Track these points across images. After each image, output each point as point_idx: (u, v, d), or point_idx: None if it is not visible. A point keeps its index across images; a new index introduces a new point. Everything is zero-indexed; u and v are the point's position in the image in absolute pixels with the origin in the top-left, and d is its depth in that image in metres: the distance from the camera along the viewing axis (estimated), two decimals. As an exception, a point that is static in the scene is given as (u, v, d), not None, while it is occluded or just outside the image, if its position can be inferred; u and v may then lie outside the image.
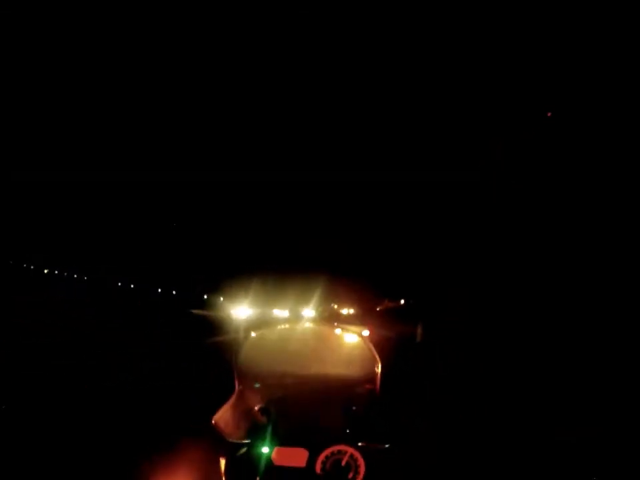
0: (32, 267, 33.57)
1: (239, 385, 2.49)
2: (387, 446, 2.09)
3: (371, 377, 2.54)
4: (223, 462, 2.05)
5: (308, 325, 3.06)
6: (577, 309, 8.59)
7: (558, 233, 9.83)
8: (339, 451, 2.00)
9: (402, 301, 15.17)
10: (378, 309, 12.41)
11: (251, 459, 2.01)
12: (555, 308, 8.94)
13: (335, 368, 2.56)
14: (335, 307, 32.94)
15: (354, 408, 2.40)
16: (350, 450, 1.99)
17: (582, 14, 9.79)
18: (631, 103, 8.95)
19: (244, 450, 2.02)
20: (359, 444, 2.03)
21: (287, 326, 3.36)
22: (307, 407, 2.35)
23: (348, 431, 2.17)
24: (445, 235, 13.92)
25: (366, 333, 3.42)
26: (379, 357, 2.60)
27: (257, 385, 2.46)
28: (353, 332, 2.82)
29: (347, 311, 22.36)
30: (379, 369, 2.55)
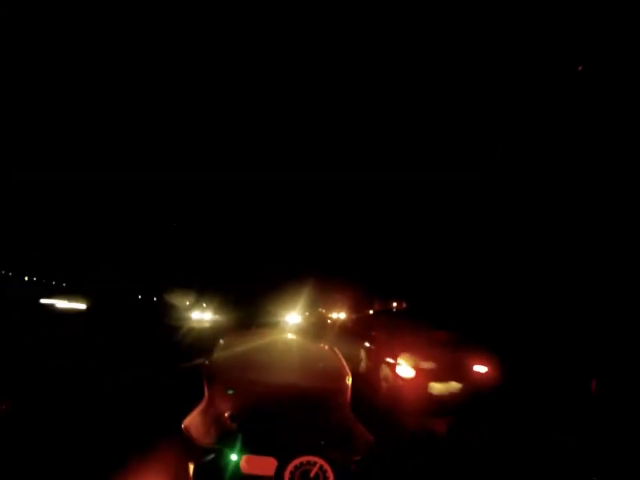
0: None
1: (209, 390, 2.42)
2: (358, 458, 2.05)
3: (341, 389, 2.51)
4: (191, 467, 1.99)
5: (284, 335, 3.10)
6: (577, 306, 8.51)
7: (557, 232, 9.72)
8: (308, 462, 1.95)
9: (394, 304, 14.74)
10: (371, 312, 11.94)
11: (219, 465, 1.95)
12: (555, 306, 8.86)
13: (307, 378, 2.53)
14: (323, 311, 32.02)
15: (324, 418, 2.36)
16: (319, 461, 1.95)
17: (581, 15, 9.84)
18: (631, 102, 8.97)
19: (212, 456, 1.98)
20: (330, 455, 1.99)
21: (258, 333, 3.47)
22: (278, 416, 2.30)
23: (318, 442, 2.11)
24: (445, 235, 13.75)
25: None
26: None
27: (230, 392, 2.38)
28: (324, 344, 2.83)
29: (336, 315, 21.65)
30: (349, 381, 2.54)
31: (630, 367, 6.04)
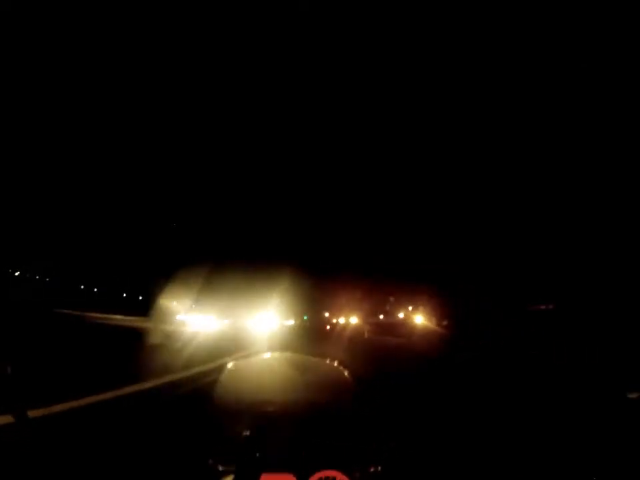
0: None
1: (220, 415, 2.53)
2: (379, 469, 2.10)
3: (349, 400, 2.66)
4: None
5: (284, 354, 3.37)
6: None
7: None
8: (327, 477, 1.92)
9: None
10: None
11: None
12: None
13: (315, 393, 2.63)
14: (327, 314, 30.01)
15: (339, 431, 2.38)
16: (339, 476, 1.92)
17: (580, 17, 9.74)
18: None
19: (231, 478, 2.02)
20: (349, 468, 1.96)
21: (263, 356, 3.84)
22: (293, 432, 2.34)
23: (336, 456, 2.11)
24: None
25: None
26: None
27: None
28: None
29: (343, 319, 19.68)
30: (354, 393, 2.74)
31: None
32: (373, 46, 16.32)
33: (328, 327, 31.73)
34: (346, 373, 2.81)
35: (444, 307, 13.07)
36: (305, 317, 40.66)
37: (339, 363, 2.96)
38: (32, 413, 3.52)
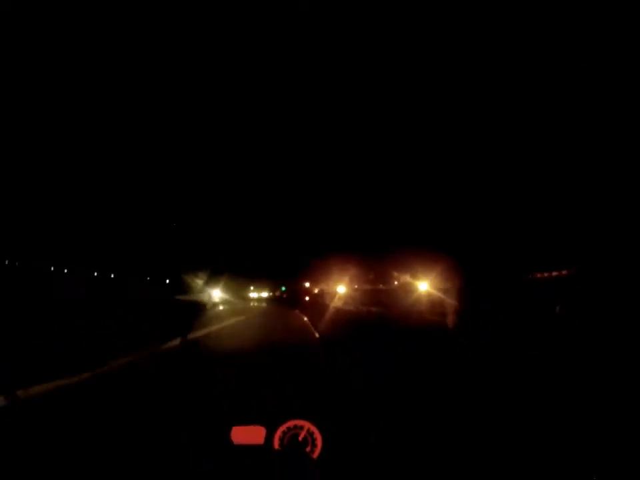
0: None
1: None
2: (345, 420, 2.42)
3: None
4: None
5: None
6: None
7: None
8: (295, 426, 1.94)
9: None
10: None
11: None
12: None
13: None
14: (307, 284, 30.72)
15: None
16: (307, 425, 1.94)
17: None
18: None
19: None
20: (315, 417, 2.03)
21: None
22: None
23: (305, 406, 2.57)
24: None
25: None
26: None
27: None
28: None
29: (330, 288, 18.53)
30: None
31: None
32: (372, 46, 16.67)
33: (307, 298, 31.53)
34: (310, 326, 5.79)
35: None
36: (283, 288, 41.82)
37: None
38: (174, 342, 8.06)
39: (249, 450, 1.90)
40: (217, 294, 29.26)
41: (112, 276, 33.99)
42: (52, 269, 31.72)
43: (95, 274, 33.32)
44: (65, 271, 31.95)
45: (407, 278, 12.54)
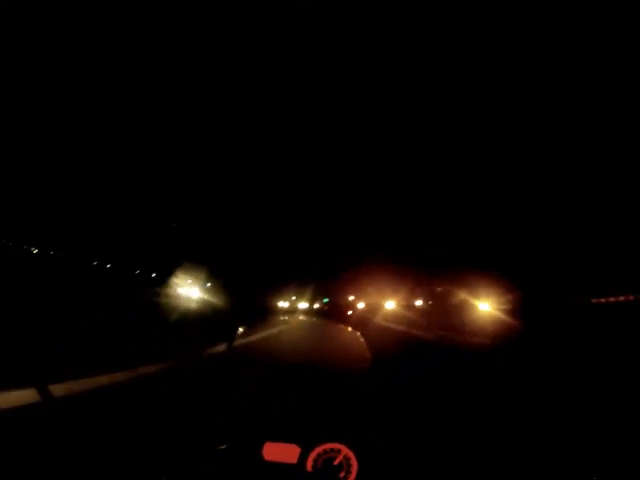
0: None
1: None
2: (383, 444, 2.16)
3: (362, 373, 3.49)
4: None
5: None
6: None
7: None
8: (332, 449, 1.89)
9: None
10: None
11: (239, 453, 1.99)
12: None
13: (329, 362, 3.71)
14: (351, 298, 30.22)
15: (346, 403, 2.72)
16: (344, 449, 1.89)
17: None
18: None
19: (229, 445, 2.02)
20: (354, 441, 1.94)
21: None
22: (300, 401, 2.64)
23: (342, 429, 2.21)
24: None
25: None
26: None
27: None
28: None
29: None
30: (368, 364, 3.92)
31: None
32: (373, 45, 16.13)
33: (350, 312, 29.73)
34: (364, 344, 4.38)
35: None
36: (325, 300, 39.63)
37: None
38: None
39: (280, 468, 1.75)
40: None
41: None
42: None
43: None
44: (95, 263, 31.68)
45: (464, 296, 12.20)
